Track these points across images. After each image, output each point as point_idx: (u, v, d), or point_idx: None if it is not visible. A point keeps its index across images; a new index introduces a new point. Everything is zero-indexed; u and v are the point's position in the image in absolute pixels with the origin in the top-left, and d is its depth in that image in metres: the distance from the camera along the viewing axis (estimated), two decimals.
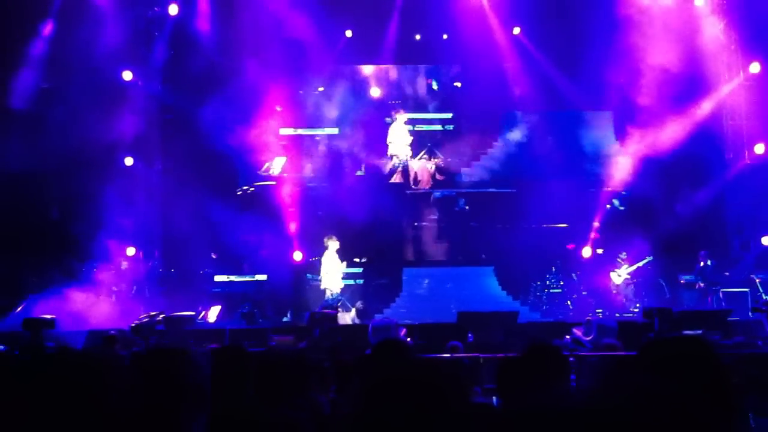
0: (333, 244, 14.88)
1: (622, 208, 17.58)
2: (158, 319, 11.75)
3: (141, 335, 10.99)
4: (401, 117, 17.56)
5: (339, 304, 14.64)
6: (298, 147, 17.59)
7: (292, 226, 16.54)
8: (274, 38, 16.02)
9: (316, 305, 14.76)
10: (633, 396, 0.76)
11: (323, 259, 14.96)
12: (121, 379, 1.76)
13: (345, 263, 15.14)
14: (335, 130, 17.71)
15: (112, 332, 10.15)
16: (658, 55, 15.92)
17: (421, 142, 18.20)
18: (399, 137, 17.48)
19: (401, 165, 17.57)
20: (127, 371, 1.89)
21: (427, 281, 17.04)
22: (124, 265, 15.45)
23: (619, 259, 15.97)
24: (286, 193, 16.75)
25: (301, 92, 17.37)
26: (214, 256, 16.37)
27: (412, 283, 16.97)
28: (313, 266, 16.06)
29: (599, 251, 16.20)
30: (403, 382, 1.71)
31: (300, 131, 17.71)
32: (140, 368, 2.41)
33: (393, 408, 1.64)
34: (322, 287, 14.92)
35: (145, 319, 11.68)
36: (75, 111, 14.54)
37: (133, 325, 11.58)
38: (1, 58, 14.70)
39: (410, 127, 17.77)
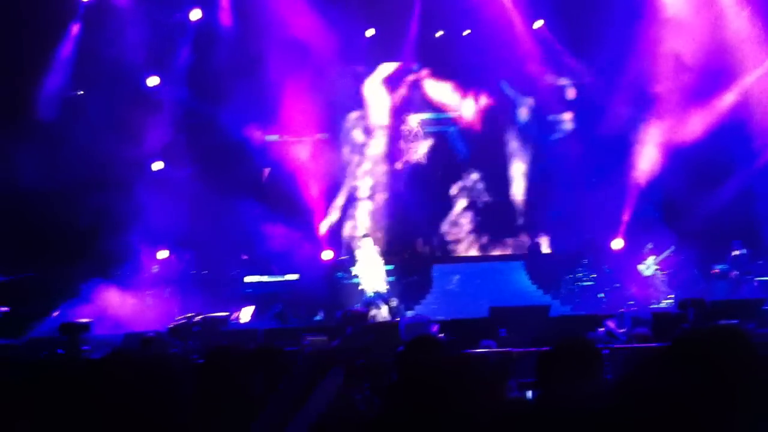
0: (367, 243, 14.76)
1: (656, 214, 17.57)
2: (195, 320, 11.86)
3: (179, 337, 11.08)
4: (413, 118, 17.67)
5: (370, 303, 14.53)
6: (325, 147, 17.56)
7: (322, 227, 16.63)
8: (295, 41, 16.08)
9: (348, 304, 14.79)
10: (664, 392, 0.77)
11: (358, 260, 14.85)
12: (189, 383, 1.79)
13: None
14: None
15: (150, 334, 10.25)
16: (683, 45, 15.79)
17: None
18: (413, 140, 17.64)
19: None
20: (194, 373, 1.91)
21: (457, 277, 17.04)
22: (156, 268, 15.62)
23: (645, 250, 15.84)
24: (315, 192, 16.83)
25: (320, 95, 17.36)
26: (244, 257, 16.48)
27: (442, 280, 16.98)
28: (343, 265, 16.14)
29: (649, 245, 16.01)
30: (438, 378, 1.73)
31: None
32: (211, 370, 2.45)
33: (429, 403, 1.67)
34: (360, 288, 14.82)
35: (182, 321, 11.78)
36: (102, 118, 14.71)
37: (171, 326, 11.70)
38: (29, 69, 14.90)
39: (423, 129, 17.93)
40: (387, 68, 18.16)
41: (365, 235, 14.86)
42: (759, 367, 1.71)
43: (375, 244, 14.82)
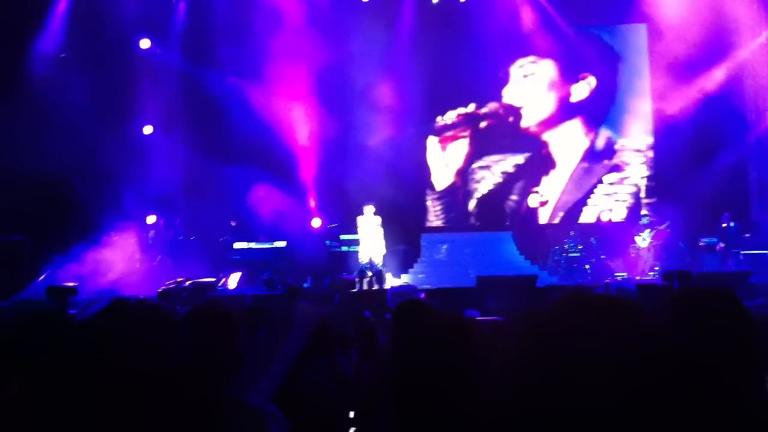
0: (369, 210, 14.60)
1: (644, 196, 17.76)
2: (185, 285, 11.89)
3: (169, 301, 11.10)
4: None
5: (362, 271, 14.44)
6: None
7: (312, 202, 16.61)
8: (290, 3, 15.93)
9: (336, 271, 14.79)
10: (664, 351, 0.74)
11: (359, 226, 14.82)
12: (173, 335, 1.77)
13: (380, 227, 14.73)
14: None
15: (140, 298, 10.26)
16: (678, 15, 15.73)
17: None
18: None
19: None
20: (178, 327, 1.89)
21: (445, 247, 17.06)
22: (152, 233, 15.59)
23: (641, 223, 15.89)
24: (305, 159, 16.74)
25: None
26: (233, 224, 16.44)
27: (430, 249, 17.00)
28: (332, 233, 16.12)
29: (644, 219, 16.04)
30: (432, 336, 1.73)
31: None
32: (190, 324, 2.45)
33: (424, 362, 1.67)
34: (359, 258, 14.72)
35: (173, 285, 11.81)
36: (94, 80, 14.56)
37: (161, 290, 11.73)
38: (21, 28, 14.70)
39: None
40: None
41: (368, 203, 14.64)
42: (751, 327, 1.72)
43: (376, 214, 14.63)
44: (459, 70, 17.50)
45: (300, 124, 16.73)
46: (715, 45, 16.22)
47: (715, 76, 16.48)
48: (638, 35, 17.90)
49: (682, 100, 16.36)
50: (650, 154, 17.82)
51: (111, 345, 1.62)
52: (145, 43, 16.16)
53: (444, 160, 18.28)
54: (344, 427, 3.65)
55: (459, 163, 18.26)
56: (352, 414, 3.91)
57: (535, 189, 17.85)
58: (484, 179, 18.14)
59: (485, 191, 18.10)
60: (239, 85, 16.24)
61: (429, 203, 18.29)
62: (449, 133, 18.25)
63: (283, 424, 2.45)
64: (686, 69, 16.30)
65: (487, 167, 18.14)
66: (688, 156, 16.18)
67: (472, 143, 18.21)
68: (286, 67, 16.10)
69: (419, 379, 1.68)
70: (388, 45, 17.28)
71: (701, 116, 16.02)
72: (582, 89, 17.97)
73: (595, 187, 17.86)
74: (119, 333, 1.67)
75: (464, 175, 18.22)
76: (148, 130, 16.25)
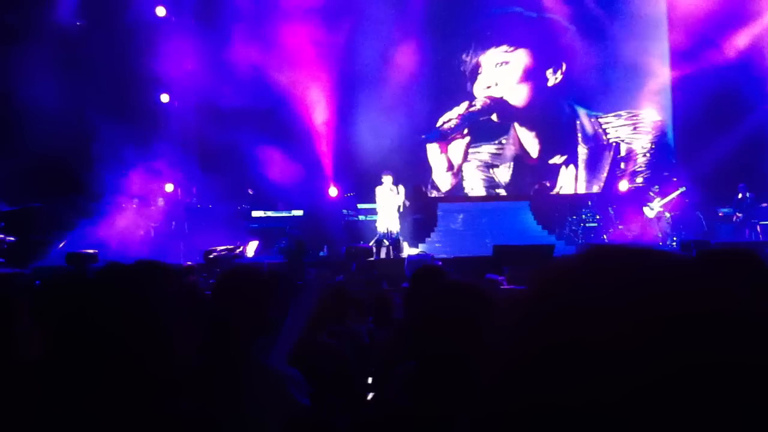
0: (387, 180, 14.60)
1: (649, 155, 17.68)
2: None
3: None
4: None
5: (379, 240, 14.46)
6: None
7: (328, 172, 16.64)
8: None
9: (353, 240, 14.80)
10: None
11: (377, 196, 14.79)
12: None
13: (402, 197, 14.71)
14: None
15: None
16: None
17: None
18: None
19: None
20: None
21: (461, 216, 17.03)
22: (162, 201, 15.64)
23: (651, 193, 15.79)
24: (321, 128, 16.72)
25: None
26: (250, 192, 16.48)
27: (447, 218, 16.98)
28: (349, 202, 16.14)
29: (655, 188, 15.96)
30: (447, 295, 1.74)
31: None
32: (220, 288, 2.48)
33: (440, 321, 1.67)
34: (377, 228, 14.73)
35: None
36: (110, 48, 14.55)
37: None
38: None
39: None
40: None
41: (386, 172, 14.59)
42: None
43: (394, 183, 14.59)
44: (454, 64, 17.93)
45: (315, 94, 16.69)
46: (736, 12, 16.00)
47: (735, 44, 16.27)
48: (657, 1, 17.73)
49: (701, 67, 16.18)
50: (650, 121, 17.82)
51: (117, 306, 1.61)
52: (160, 11, 16.09)
53: (445, 161, 18.38)
54: (361, 391, 3.69)
55: (460, 161, 18.43)
56: (370, 380, 3.94)
57: (544, 182, 17.86)
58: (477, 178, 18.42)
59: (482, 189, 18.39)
60: (256, 54, 16.16)
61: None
62: (451, 136, 18.37)
63: (304, 389, 2.48)
64: (706, 36, 16.09)
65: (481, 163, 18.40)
66: (706, 125, 16.03)
67: (471, 141, 18.40)
68: (301, 37, 16.06)
69: (435, 341, 1.69)
70: (395, 24, 17.29)
71: (720, 85, 15.83)
72: (556, 75, 18.01)
73: (608, 162, 17.95)
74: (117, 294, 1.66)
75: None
76: (164, 98, 16.24)
